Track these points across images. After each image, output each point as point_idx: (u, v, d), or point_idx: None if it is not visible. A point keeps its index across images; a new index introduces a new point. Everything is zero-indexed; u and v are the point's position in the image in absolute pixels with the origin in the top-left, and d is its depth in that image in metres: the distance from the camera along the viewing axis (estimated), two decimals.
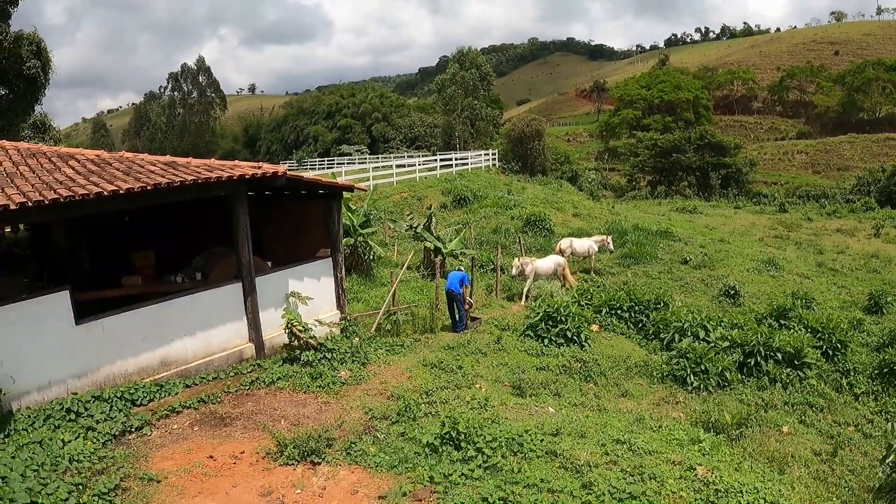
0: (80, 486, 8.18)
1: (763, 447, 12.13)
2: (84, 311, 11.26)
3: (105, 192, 10.36)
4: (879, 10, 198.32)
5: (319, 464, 9.19)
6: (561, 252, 24.81)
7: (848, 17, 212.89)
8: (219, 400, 11.36)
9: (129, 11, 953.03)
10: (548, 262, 22.54)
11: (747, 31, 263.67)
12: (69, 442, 9.30)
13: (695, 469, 9.15)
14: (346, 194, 17.84)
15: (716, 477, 8.94)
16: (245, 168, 12.66)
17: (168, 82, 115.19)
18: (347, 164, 62.77)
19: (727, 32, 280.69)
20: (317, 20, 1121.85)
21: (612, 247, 27.85)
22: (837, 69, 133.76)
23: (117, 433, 9.91)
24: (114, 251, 17.65)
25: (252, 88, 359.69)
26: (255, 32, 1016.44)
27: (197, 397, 11.30)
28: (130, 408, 10.83)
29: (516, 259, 22.16)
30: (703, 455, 10.08)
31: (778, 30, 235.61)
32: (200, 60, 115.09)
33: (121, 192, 10.52)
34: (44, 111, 37.05)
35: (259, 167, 12.70)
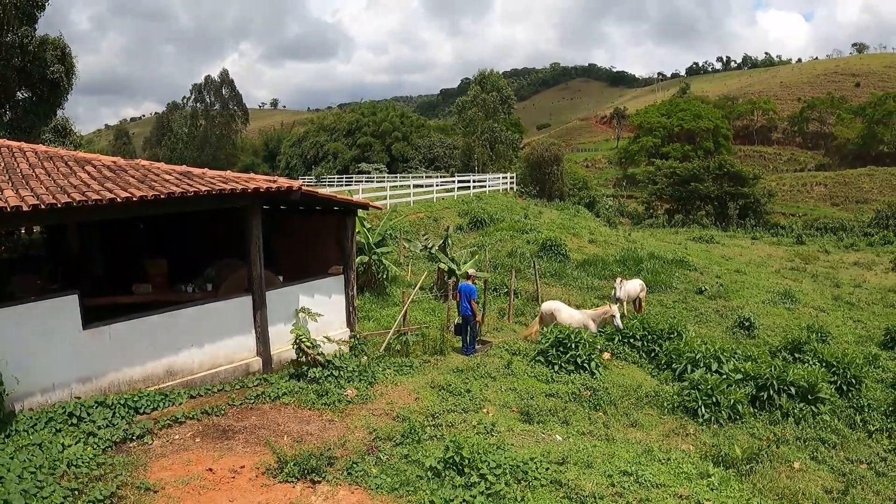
0: (76, 492, 8.15)
1: (773, 483, 11.87)
2: (94, 317, 11.26)
3: (118, 199, 10.36)
4: None
5: (319, 482, 9.06)
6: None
7: (870, 48, 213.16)
8: (223, 412, 11.28)
9: (155, 21, 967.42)
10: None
11: (768, 62, 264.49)
12: (69, 446, 9.27)
13: None
14: (362, 212, 17.74)
15: None
16: (260, 181, 12.64)
17: (191, 93, 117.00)
18: (366, 181, 63.10)
19: (748, 62, 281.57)
20: (338, 37, 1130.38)
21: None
22: (858, 101, 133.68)
23: (118, 440, 9.85)
24: (128, 258, 17.66)
25: (274, 103, 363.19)
26: (277, 47, 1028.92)
27: (201, 408, 11.23)
28: (133, 415, 10.77)
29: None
30: (712, 490, 9.88)
31: (799, 60, 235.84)
32: (224, 73, 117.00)
33: (134, 199, 10.53)
34: (66, 116, 37.70)
35: (274, 181, 12.67)
